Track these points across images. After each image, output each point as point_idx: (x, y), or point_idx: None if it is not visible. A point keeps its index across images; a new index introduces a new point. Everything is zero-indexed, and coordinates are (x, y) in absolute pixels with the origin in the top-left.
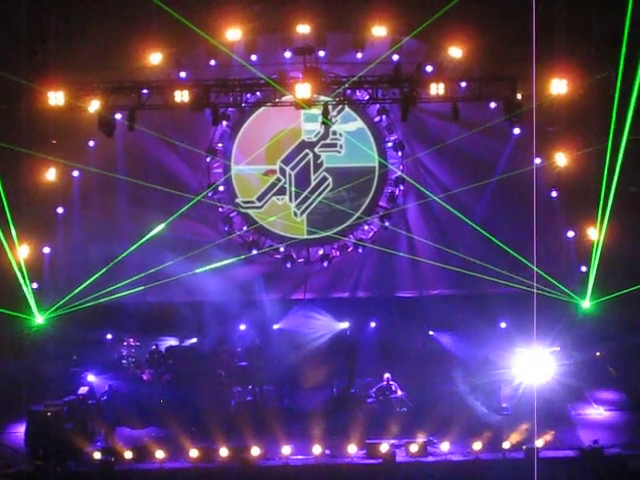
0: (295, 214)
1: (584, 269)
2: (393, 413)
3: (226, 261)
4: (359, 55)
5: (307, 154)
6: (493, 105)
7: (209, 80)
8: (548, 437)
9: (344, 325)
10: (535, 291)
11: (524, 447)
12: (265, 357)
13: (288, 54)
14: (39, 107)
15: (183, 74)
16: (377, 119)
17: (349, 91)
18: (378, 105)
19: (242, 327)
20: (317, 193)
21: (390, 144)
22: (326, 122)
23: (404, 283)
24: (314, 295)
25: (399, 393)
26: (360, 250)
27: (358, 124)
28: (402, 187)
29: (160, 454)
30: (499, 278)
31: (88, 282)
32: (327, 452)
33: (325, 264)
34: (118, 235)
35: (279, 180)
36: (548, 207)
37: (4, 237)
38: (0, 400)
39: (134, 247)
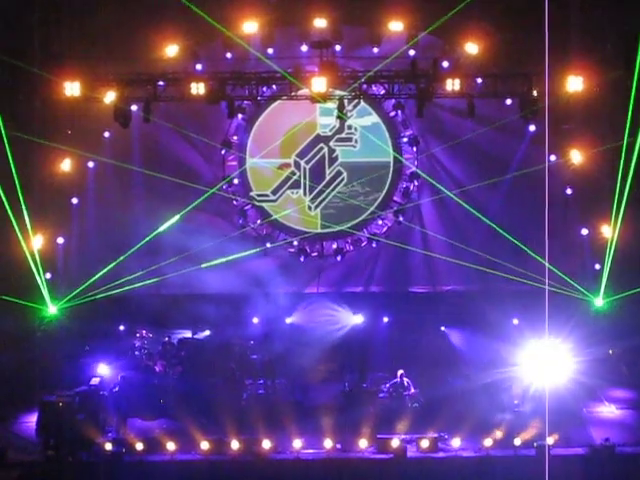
0: (309, 208)
1: (598, 267)
2: (405, 408)
3: (240, 254)
4: (375, 50)
5: (322, 148)
6: (509, 102)
7: (225, 73)
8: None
9: (358, 319)
10: (548, 288)
11: (535, 444)
12: (277, 350)
13: (305, 48)
14: (55, 98)
15: (199, 66)
16: (392, 114)
17: (365, 86)
18: (394, 100)
19: (255, 320)
20: (331, 187)
21: (405, 139)
22: (341, 116)
23: (417, 278)
24: (327, 289)
25: (412, 390)
26: (374, 245)
27: (373, 119)
28: (416, 182)
29: (171, 446)
30: (512, 275)
31: (101, 273)
32: (338, 446)
33: (339, 258)
34: (132, 226)
35: (294, 174)
36: (562, 204)
37: (18, 227)
38: (12, 390)
39: (148, 239)
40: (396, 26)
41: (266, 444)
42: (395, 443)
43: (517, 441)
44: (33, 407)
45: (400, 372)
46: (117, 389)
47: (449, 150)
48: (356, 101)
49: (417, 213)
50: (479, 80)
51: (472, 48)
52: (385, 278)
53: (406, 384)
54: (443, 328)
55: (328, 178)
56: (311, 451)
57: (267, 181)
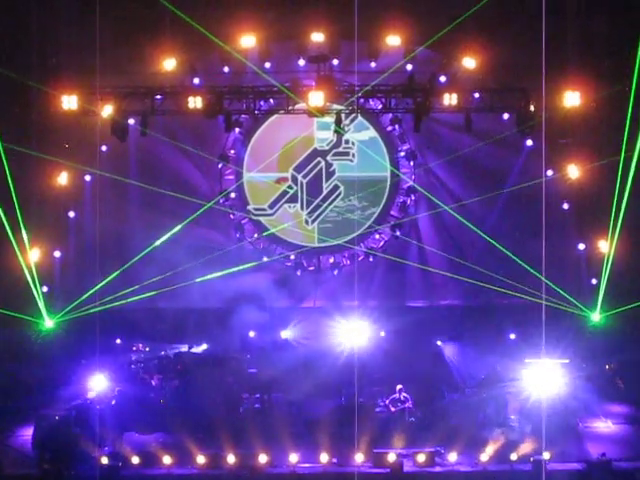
0: (306, 222)
1: (594, 281)
2: (401, 423)
3: (237, 268)
4: (373, 64)
5: (319, 162)
6: (506, 116)
7: (222, 87)
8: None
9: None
10: (545, 303)
11: (531, 459)
12: (274, 364)
13: (302, 62)
14: (52, 111)
15: (197, 80)
16: (390, 128)
17: (362, 100)
18: (391, 114)
19: (252, 334)
20: (329, 201)
21: (402, 153)
22: (339, 130)
23: (414, 293)
24: (324, 303)
25: (409, 405)
26: (371, 259)
27: (371, 133)
28: (413, 197)
29: (167, 460)
30: (509, 289)
31: (98, 286)
32: (334, 461)
33: (335, 272)
34: (129, 240)
35: (291, 188)
36: (559, 219)
37: (15, 240)
38: (9, 403)
39: (145, 252)
40: (393, 40)
41: (262, 458)
42: (392, 458)
43: (513, 456)
44: (29, 421)
45: (399, 387)
46: (114, 403)
47: (446, 164)
48: (353, 115)
49: (414, 227)
50: (476, 95)
51: (469, 63)
52: (382, 292)
53: (403, 399)
54: (439, 342)
55: (325, 192)
56: (307, 465)
57: (264, 195)
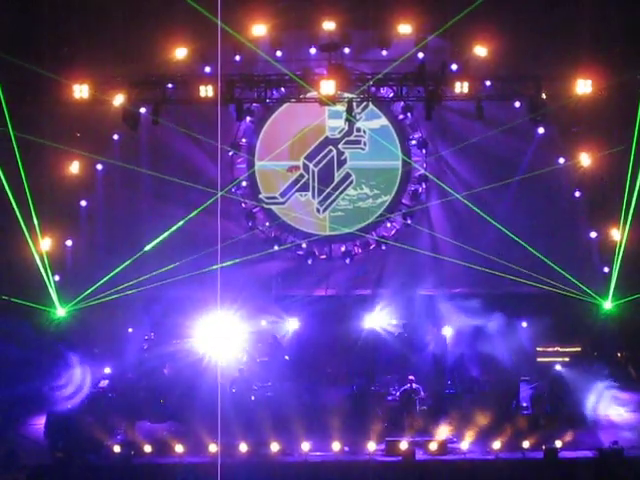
0: (318, 210)
1: (606, 270)
2: (413, 411)
3: (249, 256)
4: (384, 52)
5: (331, 151)
6: (517, 104)
7: (234, 75)
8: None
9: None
10: (557, 291)
11: (544, 447)
12: (285, 353)
13: (313, 50)
14: (64, 100)
15: (208, 69)
16: (401, 117)
17: (373, 88)
18: (402, 103)
19: (263, 323)
20: (340, 190)
21: (414, 142)
22: (350, 119)
23: (426, 281)
24: (335, 292)
25: (422, 394)
26: (382, 247)
27: (382, 121)
28: (425, 185)
29: (179, 448)
30: (521, 277)
31: (110, 275)
32: (346, 449)
33: (347, 261)
34: (140, 229)
35: (302, 176)
36: (571, 207)
37: (27, 229)
38: (21, 392)
39: (156, 241)
40: (405, 29)
41: (274, 447)
42: (404, 446)
43: (525, 444)
44: (42, 409)
45: (411, 377)
46: (125, 391)
47: (458, 153)
48: (365, 104)
49: (426, 216)
50: (488, 83)
51: (481, 51)
52: (394, 281)
53: (415, 388)
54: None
55: (337, 181)
56: (319, 454)
57: (276, 184)
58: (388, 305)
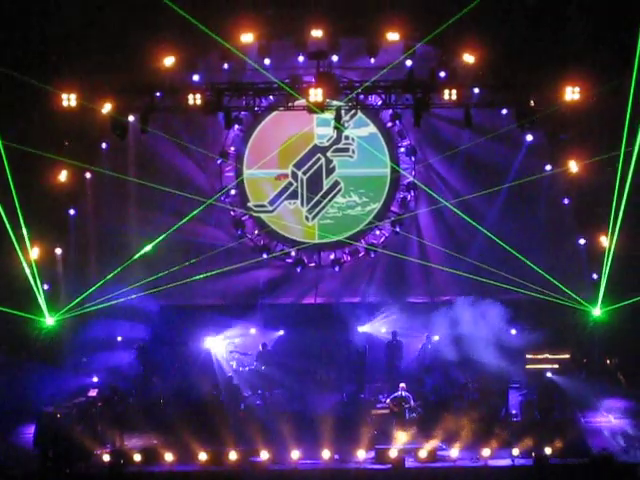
0: (307, 218)
1: (595, 276)
2: (403, 419)
3: (237, 265)
4: (372, 60)
5: (319, 159)
6: (505, 112)
7: (222, 84)
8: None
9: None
10: (546, 298)
11: (533, 454)
12: (275, 361)
13: (301, 58)
14: (52, 109)
15: (196, 77)
16: (390, 124)
17: (362, 96)
18: (391, 110)
19: (252, 331)
20: (329, 198)
21: (402, 149)
22: (338, 127)
23: (415, 288)
24: (325, 300)
25: (412, 403)
26: (371, 255)
27: (371, 129)
28: (414, 192)
29: (169, 457)
30: (510, 284)
31: (99, 284)
32: (336, 457)
33: (336, 269)
34: (129, 237)
35: (291, 184)
36: (560, 214)
37: (16, 238)
38: (10, 401)
39: (145, 249)
40: (393, 36)
41: (264, 455)
42: (393, 453)
43: (515, 451)
44: (31, 418)
45: (402, 385)
46: (115, 400)
47: (446, 160)
48: (353, 111)
49: (414, 223)
50: (476, 90)
51: (469, 58)
52: (383, 289)
53: (404, 396)
54: (436, 337)
55: (325, 189)
56: (309, 462)
57: (264, 192)
58: (377, 313)
